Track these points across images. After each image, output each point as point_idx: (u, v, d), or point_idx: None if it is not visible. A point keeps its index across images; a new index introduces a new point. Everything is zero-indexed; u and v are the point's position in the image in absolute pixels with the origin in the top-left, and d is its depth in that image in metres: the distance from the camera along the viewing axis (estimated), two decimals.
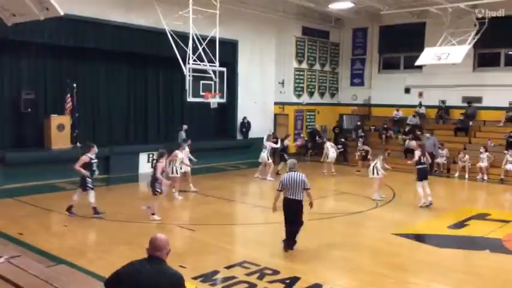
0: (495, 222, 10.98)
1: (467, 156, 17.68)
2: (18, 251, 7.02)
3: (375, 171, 12.93)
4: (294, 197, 8.22)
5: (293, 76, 22.43)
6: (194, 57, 14.81)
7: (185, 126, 17.88)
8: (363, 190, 14.12)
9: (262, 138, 20.21)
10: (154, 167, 10.84)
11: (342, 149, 20.56)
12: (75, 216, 10.60)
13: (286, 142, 17.33)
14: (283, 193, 8.38)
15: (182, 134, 17.43)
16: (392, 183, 15.66)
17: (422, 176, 12.19)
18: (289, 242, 8.46)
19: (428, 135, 18.24)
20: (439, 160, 18.21)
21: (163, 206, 11.61)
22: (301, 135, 22.75)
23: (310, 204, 8.45)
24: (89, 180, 10.50)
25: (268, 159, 16.25)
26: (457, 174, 17.82)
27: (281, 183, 8.37)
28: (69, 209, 10.69)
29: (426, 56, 18.63)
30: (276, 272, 7.39)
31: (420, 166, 12.24)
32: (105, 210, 10.70)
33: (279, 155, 17.39)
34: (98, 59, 16.83)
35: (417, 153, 12.35)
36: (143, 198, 13.63)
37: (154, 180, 10.54)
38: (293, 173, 8.35)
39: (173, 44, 14.95)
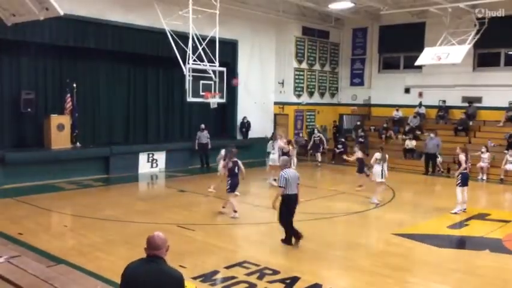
0: (495, 222, 10.99)
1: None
2: (18, 251, 7.01)
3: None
4: (294, 192, 8.75)
5: (293, 76, 22.42)
6: (194, 57, 14.79)
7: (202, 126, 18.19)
8: (363, 190, 14.13)
9: (262, 138, 20.29)
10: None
11: (342, 149, 20.58)
12: (77, 216, 10.58)
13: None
14: (282, 190, 8.71)
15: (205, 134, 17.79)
16: (392, 183, 15.66)
17: (465, 181, 11.69)
18: (299, 235, 8.83)
19: (432, 135, 18.18)
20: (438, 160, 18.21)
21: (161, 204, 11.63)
22: (301, 135, 22.75)
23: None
24: None
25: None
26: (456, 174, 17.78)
27: (285, 180, 8.64)
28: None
29: (426, 56, 18.61)
30: (276, 272, 7.38)
31: (464, 171, 11.70)
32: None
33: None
34: (98, 59, 16.83)
35: (462, 157, 11.69)
36: (143, 198, 13.66)
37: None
38: (290, 169, 9.04)
39: (173, 44, 14.93)
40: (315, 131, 20.71)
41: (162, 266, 3.70)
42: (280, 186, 8.73)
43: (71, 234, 9.58)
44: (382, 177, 12.51)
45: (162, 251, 3.73)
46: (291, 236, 8.84)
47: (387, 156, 12.92)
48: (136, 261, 3.78)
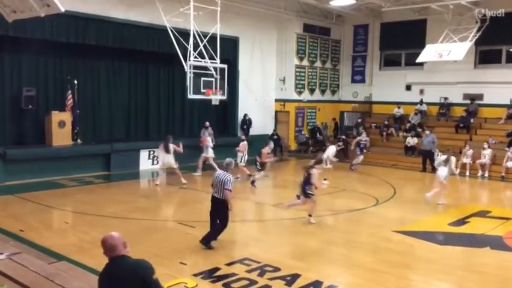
0: (496, 220, 10.99)
1: (471, 150, 17.62)
2: (19, 248, 7.03)
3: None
4: (216, 195, 8.45)
5: (294, 73, 22.40)
6: (195, 54, 14.81)
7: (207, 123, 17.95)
8: (364, 187, 14.12)
9: (263, 135, 20.29)
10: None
11: (343, 146, 20.57)
12: (78, 213, 10.59)
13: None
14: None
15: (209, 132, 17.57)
16: (393, 181, 15.68)
17: None
18: (208, 237, 8.41)
19: (427, 132, 18.20)
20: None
21: (162, 201, 11.63)
22: (302, 132, 22.76)
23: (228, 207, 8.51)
24: None
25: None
26: (457, 172, 17.78)
27: (212, 181, 8.62)
28: None
29: (428, 53, 18.57)
30: (276, 269, 7.39)
31: None
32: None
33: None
34: (99, 56, 16.81)
35: None
36: (144, 195, 13.67)
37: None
38: (221, 171, 8.64)
39: (174, 41, 14.94)
40: (363, 135, 19.03)
41: (125, 261, 3.76)
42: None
43: (73, 231, 9.59)
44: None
45: (120, 249, 3.76)
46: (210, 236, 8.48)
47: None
48: (105, 267, 3.84)
